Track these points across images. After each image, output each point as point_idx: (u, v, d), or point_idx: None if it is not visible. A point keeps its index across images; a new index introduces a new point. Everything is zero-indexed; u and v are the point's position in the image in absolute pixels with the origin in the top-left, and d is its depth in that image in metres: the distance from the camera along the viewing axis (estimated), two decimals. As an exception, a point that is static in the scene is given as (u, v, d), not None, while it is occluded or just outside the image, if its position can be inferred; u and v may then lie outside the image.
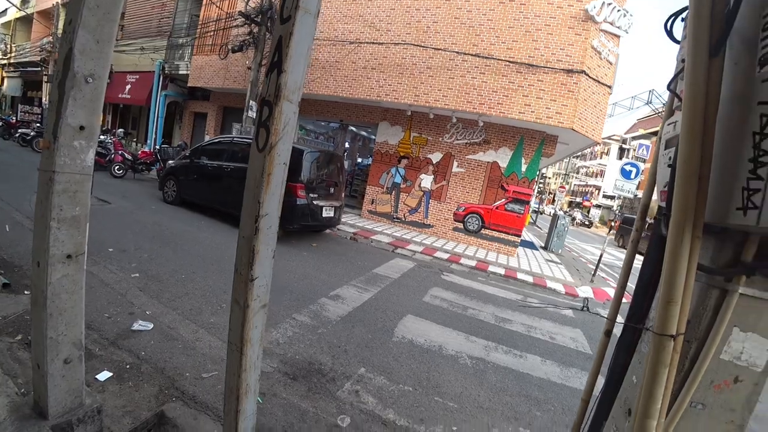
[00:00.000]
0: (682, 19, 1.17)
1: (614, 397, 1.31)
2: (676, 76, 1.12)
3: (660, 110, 18.95)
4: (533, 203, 32.78)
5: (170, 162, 10.41)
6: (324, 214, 8.05)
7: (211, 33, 14.79)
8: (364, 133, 16.33)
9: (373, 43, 11.24)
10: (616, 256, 17.01)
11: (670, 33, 1.19)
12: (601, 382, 1.50)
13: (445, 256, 9.20)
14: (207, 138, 15.91)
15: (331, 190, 8.33)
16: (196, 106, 17.88)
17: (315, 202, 7.77)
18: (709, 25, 0.89)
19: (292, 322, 4.26)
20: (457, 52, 10.28)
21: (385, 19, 11.17)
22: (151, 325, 3.61)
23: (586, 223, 42.28)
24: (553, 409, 3.58)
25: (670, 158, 1.10)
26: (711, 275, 1.00)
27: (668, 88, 1.15)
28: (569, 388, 4.00)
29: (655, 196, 1.35)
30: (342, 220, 9.54)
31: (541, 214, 35.15)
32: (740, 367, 1.00)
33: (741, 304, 0.97)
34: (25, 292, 3.73)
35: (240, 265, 1.26)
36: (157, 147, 15.12)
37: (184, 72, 16.34)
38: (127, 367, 2.95)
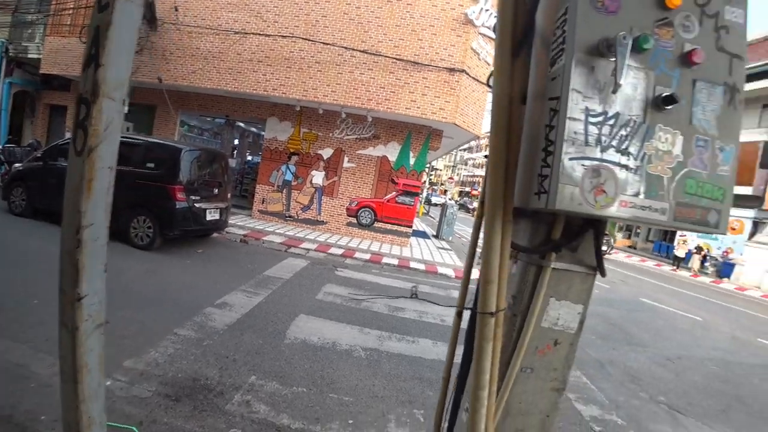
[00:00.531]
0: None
1: (467, 373, 1.42)
2: (491, 74, 1.23)
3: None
4: (426, 195, 34.59)
5: (17, 165, 8.85)
6: (208, 217, 7.52)
7: (70, 10, 12.78)
8: (253, 129, 15.62)
9: (259, 34, 10.77)
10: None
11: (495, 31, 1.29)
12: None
13: (340, 251, 9.25)
14: (68, 136, 13.82)
15: (216, 190, 7.80)
16: (52, 97, 15.37)
17: (197, 205, 7.21)
18: (511, 27, 0.98)
19: (174, 337, 3.92)
20: (346, 48, 10.32)
21: (272, 10, 10.77)
22: (-13, 368, 3.02)
23: (440, 203, 44.60)
24: (444, 387, 3.80)
25: (493, 149, 1.21)
26: (528, 254, 1.12)
27: (487, 84, 1.26)
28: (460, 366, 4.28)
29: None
30: (230, 221, 9.02)
31: (435, 205, 35.82)
32: (557, 332, 1.14)
33: (554, 277, 1.11)
34: None
35: (65, 284, 1.10)
36: (0, 147, 12.74)
37: (35, 56, 13.93)
38: (-46, 423, 2.44)
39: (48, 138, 15.28)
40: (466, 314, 1.42)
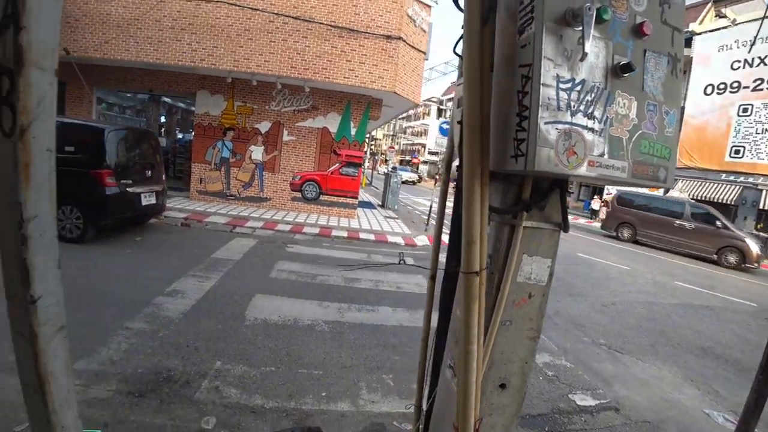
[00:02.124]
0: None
1: (446, 333, 1.50)
2: (458, 41, 1.25)
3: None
4: (367, 165, 34.39)
5: None
6: (144, 202, 7.04)
7: None
8: (181, 104, 14.55)
9: (179, -1, 9.88)
10: (449, 206, 19.25)
11: (456, 2, 1.30)
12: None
13: (288, 227, 9.11)
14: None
15: (148, 173, 7.27)
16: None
17: (130, 189, 6.70)
18: (479, -6, 0.99)
19: (126, 332, 3.72)
20: (277, 14, 9.79)
21: (191, -28, 9.88)
22: None
23: (413, 180, 40.64)
24: (409, 350, 3.97)
25: (459, 122, 1.25)
26: (502, 215, 1.19)
27: (454, 51, 1.29)
28: (421, 328, 4.46)
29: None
30: (168, 205, 8.51)
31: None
32: (531, 285, 1.24)
33: (526, 235, 1.19)
34: None
35: (12, 289, 0.99)
36: None
37: None
38: None
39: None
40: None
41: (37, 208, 1.01)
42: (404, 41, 10.04)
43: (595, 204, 23.02)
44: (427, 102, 53.81)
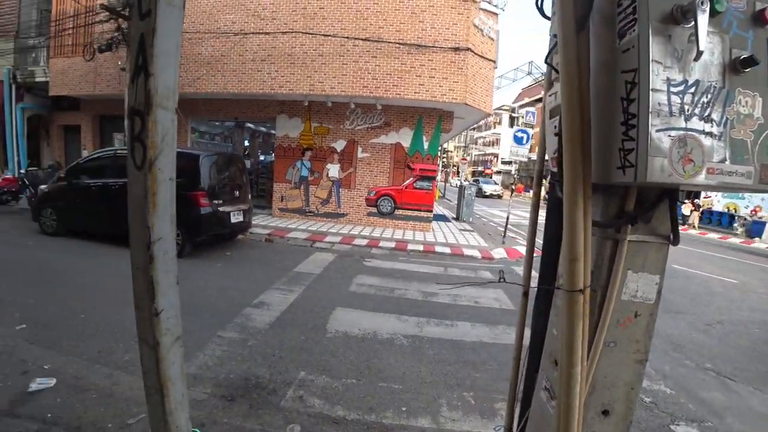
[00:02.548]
0: (549, -3, 1.26)
1: (540, 352, 1.43)
2: (551, 50, 1.21)
3: (540, 79, 20.75)
4: (439, 177, 33.48)
5: (42, 187, 9.05)
6: (233, 220, 7.64)
7: (70, 31, 12.89)
8: (262, 128, 15.63)
9: (259, 33, 10.74)
10: (522, 216, 18.51)
11: (540, 9, 1.27)
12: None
13: (364, 242, 9.30)
14: (85, 153, 14.06)
15: (236, 193, 7.90)
16: (64, 118, 15.60)
17: (221, 209, 7.32)
18: (573, 2, 0.96)
19: (219, 340, 4.02)
20: (347, 38, 10.24)
21: (269, 8, 10.71)
22: (52, 381, 3.13)
23: (498, 194, 33.85)
24: (490, 367, 3.84)
25: (555, 126, 1.20)
26: (604, 229, 1.12)
27: (546, 61, 1.25)
28: (501, 345, 4.31)
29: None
30: (253, 222, 9.13)
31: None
32: (637, 303, 1.15)
33: (630, 250, 1.11)
34: None
35: (140, 301, 1.12)
36: (23, 171, 13.02)
37: (43, 79, 14.12)
38: (33, 436, 2.55)
39: (66, 158, 15.56)
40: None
41: (161, 231, 1.15)
42: (472, 51, 9.97)
43: (686, 209, 20.54)
44: (498, 111, 52.54)
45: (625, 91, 0.92)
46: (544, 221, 1.48)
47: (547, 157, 1.37)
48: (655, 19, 0.86)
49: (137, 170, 1.05)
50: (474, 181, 32.27)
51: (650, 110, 0.85)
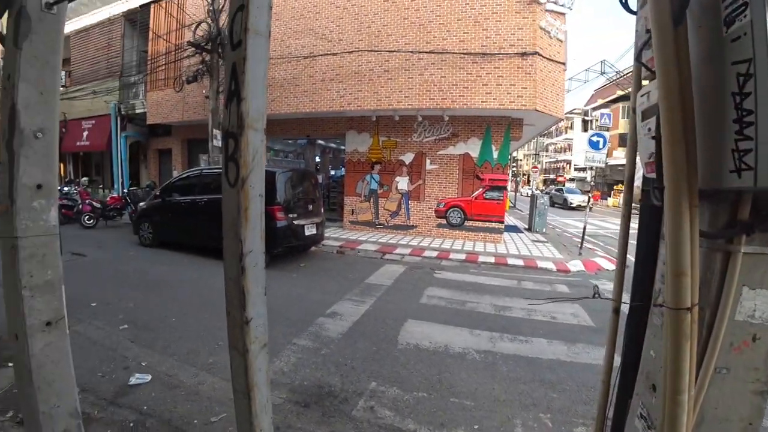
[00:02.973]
0: (636, -10, 1.17)
1: (635, 375, 1.30)
2: (641, 47, 1.12)
3: (615, 79, 19.46)
4: (509, 187, 31.68)
5: (141, 204, 10.12)
6: (307, 233, 7.96)
7: (163, 67, 14.49)
8: (332, 144, 16.28)
9: (327, 54, 11.23)
10: (599, 226, 17.35)
11: (625, 4, 1.19)
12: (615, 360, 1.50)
13: (434, 254, 9.21)
14: (175, 174, 15.53)
15: (310, 207, 8.24)
16: (158, 143, 17.48)
17: (296, 222, 7.67)
18: (669, -7, 0.88)
19: (294, 347, 4.17)
20: (412, 52, 10.36)
21: (335, 30, 11.18)
22: (149, 377, 3.46)
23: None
24: (568, 388, 3.59)
25: (650, 129, 1.10)
26: (712, 239, 1.00)
27: (636, 60, 1.15)
28: (580, 364, 4.02)
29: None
30: (325, 234, 9.44)
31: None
32: (756, 325, 1.00)
33: (746, 263, 0.97)
34: (9, 364, 3.54)
35: (231, 309, 1.19)
36: (126, 190, 14.69)
37: (141, 110, 15.96)
38: (131, 425, 2.81)
39: (159, 178, 17.34)
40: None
41: (252, 244, 1.22)
42: (540, 55, 9.60)
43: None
44: (569, 115, 49.98)
45: (737, 84, 0.82)
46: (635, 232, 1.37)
47: (639, 163, 1.26)
48: (772, 2, 0.76)
49: (231, 187, 1.13)
50: (557, 190, 28.24)
51: (771, 104, 0.75)
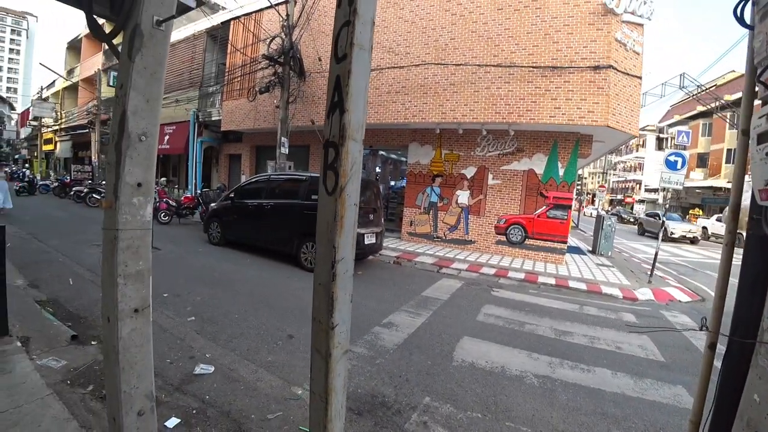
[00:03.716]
0: (753, 3, 1.09)
1: (729, 419, 1.19)
2: (766, 67, 1.04)
3: (695, 93, 18.07)
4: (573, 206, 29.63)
5: (212, 205, 10.80)
6: (366, 242, 8.08)
7: (238, 78, 15.53)
8: (393, 155, 16.46)
9: (393, 67, 11.43)
10: (671, 252, 16.09)
11: (740, 18, 1.11)
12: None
13: (492, 271, 8.99)
14: (243, 178, 16.48)
15: (371, 216, 8.38)
16: (230, 148, 18.65)
17: (356, 231, 7.81)
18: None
19: (349, 354, 4.19)
20: (479, 65, 10.28)
21: (402, 43, 11.36)
22: (212, 368, 3.66)
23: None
24: (634, 426, 3.34)
25: (767, 153, 1.01)
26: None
27: (758, 80, 1.07)
28: (647, 402, 3.73)
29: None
30: (383, 244, 9.53)
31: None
32: None
33: None
34: (92, 342, 3.89)
35: (318, 314, 1.24)
36: (198, 191, 15.79)
37: (217, 118, 17.15)
38: (194, 412, 2.98)
39: (229, 181, 18.47)
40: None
41: (345, 251, 1.26)
42: (615, 69, 9.12)
43: None
44: (641, 131, 46.93)
45: None
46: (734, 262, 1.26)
47: (752, 189, 1.16)
48: None
49: (328, 195, 1.18)
50: (652, 215, 23.99)
51: None
